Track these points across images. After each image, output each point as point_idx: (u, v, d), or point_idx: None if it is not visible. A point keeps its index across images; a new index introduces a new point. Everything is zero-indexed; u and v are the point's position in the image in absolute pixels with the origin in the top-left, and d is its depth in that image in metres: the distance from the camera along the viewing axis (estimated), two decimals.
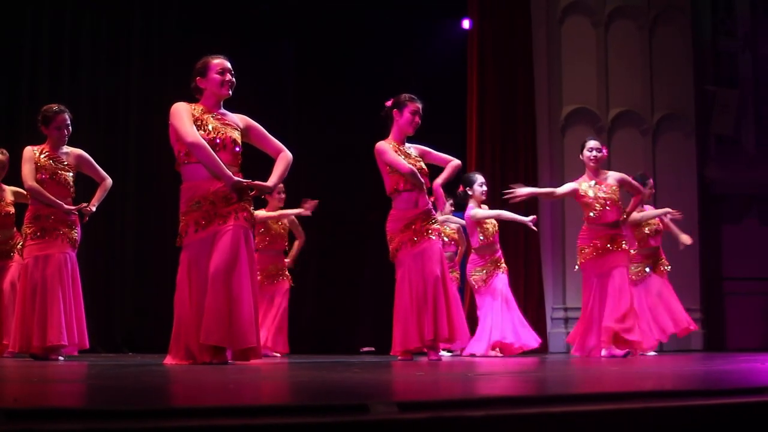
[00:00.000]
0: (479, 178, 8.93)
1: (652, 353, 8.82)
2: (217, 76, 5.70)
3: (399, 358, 6.85)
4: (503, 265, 8.91)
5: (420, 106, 7.06)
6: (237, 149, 5.64)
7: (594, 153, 7.99)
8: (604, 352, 7.78)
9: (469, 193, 8.86)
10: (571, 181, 8.31)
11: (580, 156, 8.11)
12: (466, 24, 11.27)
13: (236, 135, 5.67)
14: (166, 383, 3.61)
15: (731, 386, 3.28)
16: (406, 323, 6.77)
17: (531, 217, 8.79)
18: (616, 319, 7.65)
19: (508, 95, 10.98)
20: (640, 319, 8.42)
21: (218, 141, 5.55)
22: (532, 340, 8.81)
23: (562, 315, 10.49)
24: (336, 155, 10.87)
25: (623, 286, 7.81)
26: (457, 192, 9.13)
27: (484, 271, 8.82)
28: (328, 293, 11.11)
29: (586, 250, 7.96)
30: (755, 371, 4.58)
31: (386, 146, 7.00)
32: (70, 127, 7.11)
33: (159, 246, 10.28)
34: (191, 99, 5.80)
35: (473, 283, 8.94)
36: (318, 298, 11.05)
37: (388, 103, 7.12)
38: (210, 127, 5.58)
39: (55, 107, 7.09)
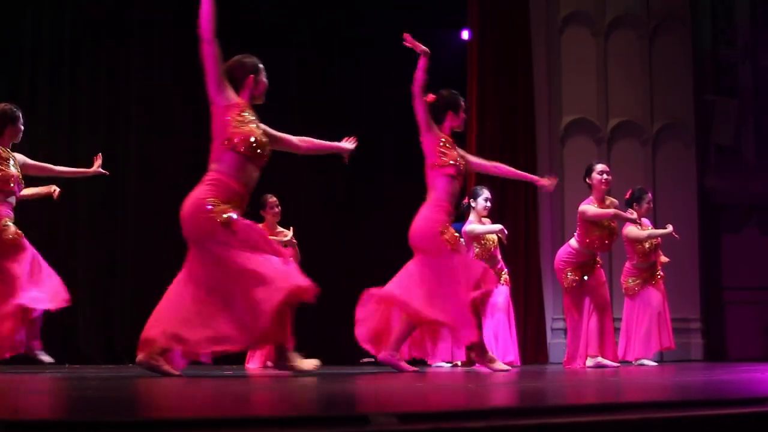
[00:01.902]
0: (485, 193, 8.79)
1: (652, 363, 8.83)
2: (265, 81, 5.65)
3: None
4: (505, 276, 8.86)
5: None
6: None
7: (605, 176, 8.15)
8: (590, 363, 7.91)
9: (473, 205, 8.78)
10: (578, 199, 8.47)
11: (587, 179, 8.20)
12: (465, 35, 11.28)
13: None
14: (166, 394, 3.60)
15: (731, 396, 3.28)
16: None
17: (499, 227, 8.62)
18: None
19: (508, 105, 11.00)
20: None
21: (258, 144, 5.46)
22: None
23: (562, 326, 10.47)
24: (334, 165, 10.86)
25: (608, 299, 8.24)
26: (461, 203, 9.07)
27: None
28: (328, 303, 11.07)
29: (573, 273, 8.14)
30: (756, 381, 4.57)
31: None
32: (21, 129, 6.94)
33: (160, 255, 10.27)
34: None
35: None
36: (318, 309, 11.01)
37: (434, 98, 6.88)
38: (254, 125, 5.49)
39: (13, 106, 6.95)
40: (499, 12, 11.11)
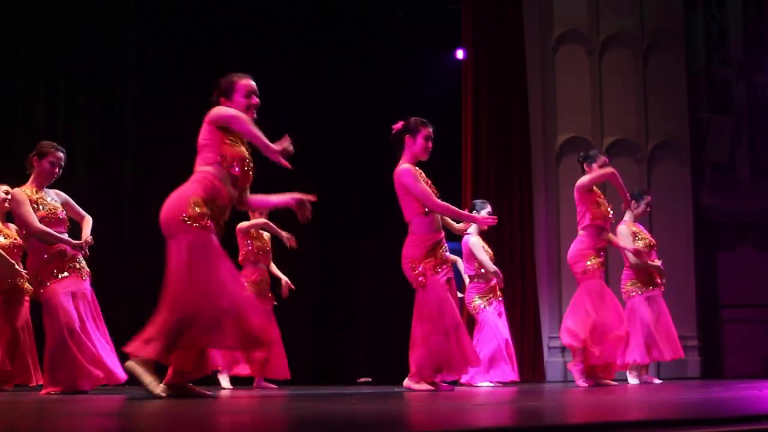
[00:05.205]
0: (487, 207, 8.71)
1: (658, 381, 8.71)
2: (243, 99, 5.51)
3: (413, 386, 6.54)
4: (498, 293, 8.86)
5: (432, 130, 6.82)
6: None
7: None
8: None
9: None
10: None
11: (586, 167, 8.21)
12: (460, 54, 11.31)
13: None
14: (160, 419, 3.59)
15: (729, 414, 3.27)
16: (435, 352, 6.49)
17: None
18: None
19: (503, 124, 11.02)
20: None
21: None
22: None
23: (558, 344, 10.46)
24: (330, 185, 10.88)
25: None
26: None
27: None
28: (325, 324, 11.07)
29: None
30: (753, 399, 4.57)
31: (412, 171, 6.70)
32: (62, 166, 6.88)
33: (157, 274, 10.24)
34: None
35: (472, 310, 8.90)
36: (314, 329, 11.01)
37: (398, 126, 6.82)
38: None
39: (53, 144, 6.87)
40: (493, 31, 11.15)
